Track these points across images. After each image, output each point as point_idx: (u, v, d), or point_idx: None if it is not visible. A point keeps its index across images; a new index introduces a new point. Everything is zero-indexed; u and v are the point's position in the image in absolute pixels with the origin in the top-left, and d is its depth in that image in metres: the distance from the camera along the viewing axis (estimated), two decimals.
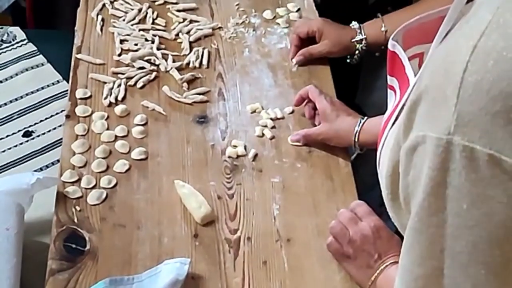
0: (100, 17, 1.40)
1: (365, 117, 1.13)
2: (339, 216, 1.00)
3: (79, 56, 1.31)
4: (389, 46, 0.76)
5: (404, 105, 0.68)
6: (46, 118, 1.30)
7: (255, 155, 1.17)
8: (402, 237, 0.68)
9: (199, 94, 1.27)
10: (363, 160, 1.17)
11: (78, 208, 1.05)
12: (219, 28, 1.42)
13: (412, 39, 0.75)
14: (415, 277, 0.62)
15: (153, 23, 1.41)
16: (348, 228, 0.97)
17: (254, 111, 1.25)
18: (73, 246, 1.00)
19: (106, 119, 1.20)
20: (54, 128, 1.28)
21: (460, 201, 0.56)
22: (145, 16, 1.42)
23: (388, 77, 0.78)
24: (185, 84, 1.28)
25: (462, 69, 0.55)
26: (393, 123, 0.70)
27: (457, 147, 0.55)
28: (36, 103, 1.33)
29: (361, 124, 1.12)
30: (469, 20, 0.60)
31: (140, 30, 1.38)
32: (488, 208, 0.56)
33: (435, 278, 0.60)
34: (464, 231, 0.57)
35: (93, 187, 1.08)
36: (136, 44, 1.34)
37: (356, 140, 1.12)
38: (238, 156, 1.16)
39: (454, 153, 0.55)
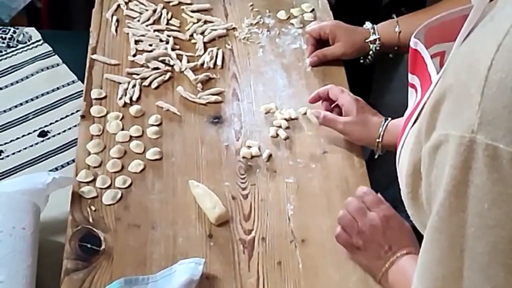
0: (114, 17, 1.40)
1: (389, 118, 1.11)
2: (347, 206, 0.98)
3: (94, 56, 1.31)
4: (411, 44, 0.75)
5: (425, 103, 0.68)
6: (61, 118, 1.31)
7: (269, 156, 1.17)
8: (415, 230, 0.68)
9: (213, 94, 1.27)
10: (378, 160, 1.16)
11: (93, 208, 1.05)
12: (233, 28, 1.42)
13: (433, 37, 0.75)
14: (434, 277, 0.62)
15: (167, 23, 1.41)
16: (356, 219, 0.95)
17: (268, 112, 1.25)
18: (88, 246, 1.00)
19: (121, 120, 1.20)
20: (69, 128, 1.29)
21: (482, 200, 0.56)
22: (160, 17, 1.42)
23: (409, 75, 0.78)
24: (199, 85, 1.28)
25: (486, 67, 0.54)
26: (414, 122, 0.70)
27: (480, 145, 0.55)
28: (52, 103, 1.34)
29: (385, 125, 1.10)
30: (493, 17, 0.60)
31: (154, 30, 1.38)
32: (509, 207, 0.55)
33: (454, 278, 0.60)
34: (485, 231, 0.57)
35: (108, 187, 1.09)
36: (150, 45, 1.35)
37: (379, 140, 1.10)
38: (252, 157, 1.16)
39: (477, 151, 0.55)
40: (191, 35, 1.39)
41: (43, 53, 1.44)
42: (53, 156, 1.24)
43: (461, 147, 0.56)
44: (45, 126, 1.29)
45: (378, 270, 0.94)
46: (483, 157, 0.55)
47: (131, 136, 1.18)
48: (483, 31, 0.60)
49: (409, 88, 0.79)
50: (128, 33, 1.37)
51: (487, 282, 0.59)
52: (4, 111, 1.32)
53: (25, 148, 1.25)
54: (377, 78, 1.59)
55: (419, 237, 0.73)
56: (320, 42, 1.34)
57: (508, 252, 0.57)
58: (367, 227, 0.94)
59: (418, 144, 0.64)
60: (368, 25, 1.33)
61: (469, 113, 0.55)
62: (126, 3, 1.44)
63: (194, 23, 1.42)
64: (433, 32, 0.75)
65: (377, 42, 1.30)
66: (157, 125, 1.20)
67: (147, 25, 1.40)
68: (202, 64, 1.33)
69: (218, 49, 1.36)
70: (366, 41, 1.30)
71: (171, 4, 1.46)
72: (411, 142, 0.67)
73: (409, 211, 0.72)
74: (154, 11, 1.43)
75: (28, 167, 1.21)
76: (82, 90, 1.27)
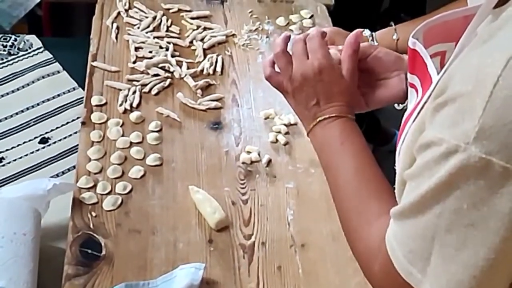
0: (115, 25, 1.41)
1: None
2: (293, 44, 0.87)
3: (94, 63, 1.32)
4: (409, 44, 0.75)
5: (425, 102, 0.68)
6: (62, 125, 1.32)
7: (269, 161, 1.17)
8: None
9: (213, 100, 1.27)
10: (384, 158, 1.16)
11: (93, 214, 1.06)
12: (233, 35, 1.43)
13: (434, 37, 0.75)
14: (409, 249, 0.64)
15: (167, 30, 1.42)
16: (293, 63, 0.86)
17: (268, 117, 1.26)
18: (89, 251, 1.01)
19: (121, 126, 1.21)
20: (70, 135, 1.29)
21: (462, 200, 0.58)
22: (160, 24, 1.43)
23: (409, 75, 0.78)
24: (199, 91, 1.29)
25: (492, 83, 0.55)
26: (414, 120, 0.71)
27: (473, 157, 0.56)
28: (52, 110, 1.34)
29: None
30: (501, 27, 0.60)
31: (154, 37, 1.39)
32: (488, 212, 0.57)
33: (423, 258, 0.63)
34: (458, 227, 0.59)
35: (109, 193, 1.09)
36: (150, 52, 1.35)
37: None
38: (252, 162, 1.17)
39: (468, 161, 0.57)
40: (191, 42, 1.40)
41: (43, 61, 1.45)
42: (54, 162, 1.25)
43: (453, 154, 0.57)
44: (46, 132, 1.30)
45: (306, 122, 0.87)
46: (474, 167, 0.56)
47: (131, 142, 1.18)
48: (492, 42, 0.60)
49: (409, 88, 0.79)
50: (128, 40, 1.38)
51: (445, 273, 0.61)
52: (5, 118, 1.32)
53: (26, 155, 1.25)
54: None
55: None
56: None
57: (473, 251, 0.59)
58: (298, 75, 0.85)
59: (415, 143, 0.65)
60: (366, 32, 1.33)
61: (468, 125, 0.56)
62: (126, 11, 1.45)
63: (193, 30, 1.43)
64: (434, 31, 0.75)
65: None
66: (157, 131, 1.21)
67: (147, 32, 1.41)
68: (202, 71, 1.34)
69: (217, 55, 1.37)
70: None
71: (171, 11, 1.47)
72: (409, 140, 0.68)
73: None
74: (154, 18, 1.44)
75: (29, 174, 1.22)
76: (82, 97, 1.28)
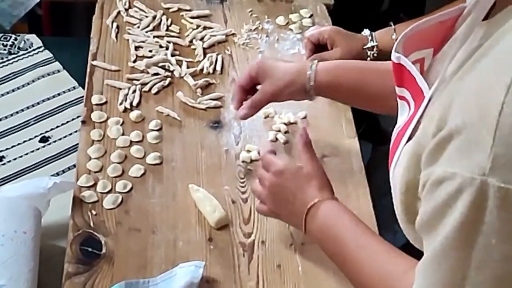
0: (115, 24, 1.42)
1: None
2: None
3: (94, 62, 1.32)
4: (393, 59, 0.74)
5: (419, 121, 0.67)
6: (62, 124, 1.32)
7: None
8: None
9: (213, 99, 1.28)
10: (377, 166, 1.17)
11: (94, 212, 1.06)
12: (233, 34, 1.43)
13: (411, 45, 0.74)
14: None
15: (167, 29, 1.42)
16: (262, 187, 0.97)
17: (267, 116, 1.26)
18: (89, 249, 1.01)
19: (121, 125, 1.21)
20: (70, 134, 1.30)
21: (489, 236, 0.57)
22: (160, 23, 1.43)
23: (397, 88, 0.77)
24: (199, 90, 1.29)
25: (497, 111, 0.54)
26: (408, 138, 0.69)
27: (491, 188, 0.55)
28: (53, 109, 1.35)
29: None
30: (493, 46, 0.60)
31: (154, 36, 1.39)
32: None
33: None
34: (489, 263, 0.57)
35: (109, 192, 1.10)
36: (150, 51, 1.36)
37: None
38: (252, 161, 1.17)
39: (489, 193, 0.55)
40: (191, 41, 1.40)
41: (44, 60, 1.45)
42: (54, 161, 1.25)
43: (471, 188, 0.56)
44: (46, 131, 1.30)
45: (300, 225, 0.93)
46: (494, 198, 0.55)
47: (131, 141, 1.18)
48: (485, 64, 0.59)
49: (399, 100, 0.78)
50: (128, 39, 1.38)
51: None
52: (6, 117, 1.33)
53: (26, 154, 1.26)
54: None
55: (412, 250, 0.74)
56: (319, 47, 1.35)
57: (510, 284, 0.57)
58: (266, 190, 0.96)
59: (413, 166, 0.64)
60: (366, 32, 1.33)
61: (481, 156, 0.55)
62: (126, 10, 1.46)
63: (193, 29, 1.43)
64: (412, 40, 0.74)
65: (375, 49, 1.30)
66: (157, 130, 1.21)
67: (147, 31, 1.41)
68: (202, 70, 1.34)
69: (217, 54, 1.37)
70: (364, 47, 1.31)
71: (170, 10, 1.47)
72: (405, 161, 0.67)
73: (402, 225, 0.72)
74: (154, 17, 1.44)
75: (29, 173, 1.22)
76: (82, 96, 1.28)
